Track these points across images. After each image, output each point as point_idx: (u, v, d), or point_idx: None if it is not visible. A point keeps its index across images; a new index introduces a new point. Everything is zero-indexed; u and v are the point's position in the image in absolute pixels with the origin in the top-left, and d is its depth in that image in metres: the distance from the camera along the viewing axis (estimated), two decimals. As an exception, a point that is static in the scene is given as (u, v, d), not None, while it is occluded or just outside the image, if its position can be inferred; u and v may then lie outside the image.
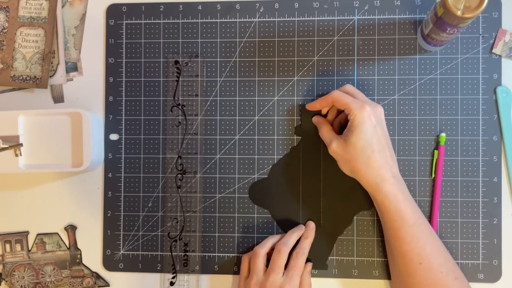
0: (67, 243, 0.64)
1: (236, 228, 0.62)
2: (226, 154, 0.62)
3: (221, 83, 0.63)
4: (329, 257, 0.61)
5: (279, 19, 0.63)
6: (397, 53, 0.61)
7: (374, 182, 0.54)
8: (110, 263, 0.63)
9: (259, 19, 0.63)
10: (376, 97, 0.61)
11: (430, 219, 0.60)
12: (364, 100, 0.56)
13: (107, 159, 0.64)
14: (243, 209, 0.62)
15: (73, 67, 0.65)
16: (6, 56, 0.63)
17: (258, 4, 0.63)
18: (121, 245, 0.63)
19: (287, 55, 0.62)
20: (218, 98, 0.63)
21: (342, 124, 0.59)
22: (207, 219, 0.62)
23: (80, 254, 0.64)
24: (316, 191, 0.61)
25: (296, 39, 0.62)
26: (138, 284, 0.63)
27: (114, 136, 0.64)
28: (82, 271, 0.64)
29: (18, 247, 0.64)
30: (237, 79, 0.63)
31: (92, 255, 0.64)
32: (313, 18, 0.62)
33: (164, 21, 0.64)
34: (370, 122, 0.53)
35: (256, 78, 0.63)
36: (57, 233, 0.64)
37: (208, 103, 0.63)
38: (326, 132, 0.57)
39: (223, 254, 0.62)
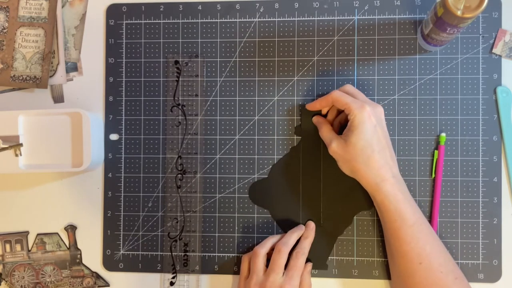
0: (67, 243, 0.64)
1: (236, 228, 0.62)
2: (226, 154, 0.62)
3: (221, 83, 0.63)
4: (329, 257, 0.61)
5: (279, 19, 0.63)
6: (397, 53, 0.61)
7: (374, 182, 0.54)
8: (110, 263, 0.63)
9: (259, 19, 0.63)
10: (376, 97, 0.61)
11: (430, 219, 0.60)
12: (364, 100, 0.56)
13: (107, 159, 0.64)
14: (243, 209, 0.62)
15: (73, 67, 0.65)
16: (6, 56, 0.63)
17: (258, 4, 0.63)
18: (121, 245, 0.63)
19: (287, 55, 0.62)
20: (218, 98, 0.63)
21: (342, 124, 0.59)
22: (207, 219, 0.62)
23: (80, 254, 0.64)
24: (316, 191, 0.61)
25: (296, 39, 0.62)
26: (138, 284, 0.63)
27: (114, 136, 0.64)
28: (82, 271, 0.64)
29: (18, 247, 0.64)
30: (237, 79, 0.63)
31: (92, 255, 0.64)
32: (313, 18, 0.62)
33: (164, 21, 0.64)
34: (370, 122, 0.53)
35: (256, 78, 0.63)
36: (57, 233, 0.64)
37: (208, 103, 0.63)
38: (326, 132, 0.57)
39: (223, 254, 0.62)
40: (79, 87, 0.64)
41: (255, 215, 0.62)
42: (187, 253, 0.62)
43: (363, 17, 0.62)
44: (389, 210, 0.53)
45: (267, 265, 0.57)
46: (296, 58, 0.62)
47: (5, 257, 0.64)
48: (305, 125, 0.62)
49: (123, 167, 0.63)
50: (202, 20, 0.63)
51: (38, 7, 0.64)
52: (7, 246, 0.64)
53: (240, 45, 0.63)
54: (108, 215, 0.63)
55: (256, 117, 0.62)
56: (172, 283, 0.62)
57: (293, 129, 0.62)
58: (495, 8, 0.60)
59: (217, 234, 0.62)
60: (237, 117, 0.63)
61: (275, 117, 0.62)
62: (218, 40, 0.63)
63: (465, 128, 0.60)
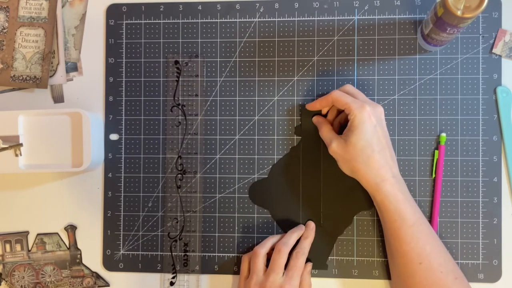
0: (67, 243, 0.64)
1: (236, 228, 0.62)
2: (226, 154, 0.62)
3: (221, 83, 0.63)
4: (329, 257, 0.61)
5: (279, 19, 0.63)
6: (397, 53, 0.61)
7: (374, 182, 0.54)
8: (110, 263, 0.63)
9: (259, 19, 0.63)
10: (376, 97, 0.61)
11: (430, 219, 0.60)
12: (364, 100, 0.56)
13: (107, 159, 0.64)
14: (243, 209, 0.62)
15: (73, 67, 0.65)
16: (6, 56, 0.63)
17: (258, 4, 0.63)
18: (121, 245, 0.63)
19: (287, 55, 0.62)
20: (218, 98, 0.63)
21: (342, 124, 0.59)
22: (207, 219, 0.62)
23: (80, 254, 0.64)
24: (316, 191, 0.61)
25: (296, 39, 0.62)
26: (138, 284, 0.63)
27: (114, 136, 0.64)
28: (82, 271, 0.64)
29: (18, 247, 0.64)
30: (237, 79, 0.63)
31: (92, 255, 0.64)
32: (313, 18, 0.62)
33: (164, 21, 0.64)
34: (370, 122, 0.53)
35: (256, 78, 0.63)
36: (57, 233, 0.64)
37: (208, 103, 0.63)
38: (326, 132, 0.57)
39: (223, 254, 0.62)
40: (79, 87, 0.64)
41: (255, 215, 0.62)
42: (187, 253, 0.62)
43: (363, 17, 0.62)
44: (389, 210, 0.53)
45: (267, 265, 0.57)
46: (296, 58, 0.62)
47: (5, 257, 0.64)
48: (305, 125, 0.62)
49: (123, 167, 0.63)
50: (202, 20, 0.63)
51: (38, 7, 0.64)
52: (7, 246, 0.64)
53: (240, 45, 0.63)
54: (108, 215, 0.63)
55: (256, 117, 0.62)
56: (172, 283, 0.62)
57: (293, 129, 0.62)
58: (495, 8, 0.60)
59: (217, 234, 0.62)
60: (237, 117, 0.63)
61: (275, 117, 0.62)
62: (218, 40, 0.63)
63: (465, 128, 0.60)
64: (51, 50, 0.63)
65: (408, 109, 0.61)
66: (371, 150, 0.53)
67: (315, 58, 0.62)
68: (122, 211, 0.63)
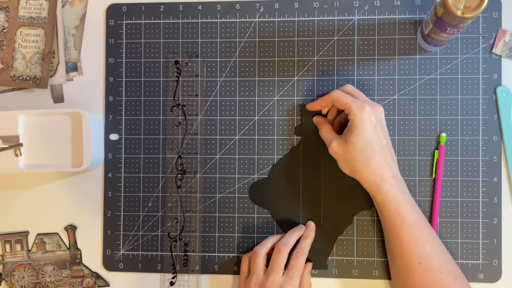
0: (67, 243, 0.64)
1: (236, 228, 0.62)
2: (226, 154, 0.62)
3: (221, 83, 0.63)
4: (329, 257, 0.61)
5: (279, 19, 0.63)
6: (397, 53, 0.61)
7: (374, 182, 0.54)
8: (110, 263, 0.63)
9: (259, 19, 0.63)
10: (376, 97, 0.61)
11: (430, 219, 0.60)
12: (364, 100, 0.56)
13: (107, 159, 0.64)
14: (243, 209, 0.62)
15: (73, 67, 0.65)
16: (6, 56, 0.63)
17: (258, 4, 0.63)
18: (121, 245, 0.63)
19: (287, 55, 0.62)
20: (218, 98, 0.63)
21: (342, 124, 0.59)
22: (207, 219, 0.62)
23: (80, 254, 0.64)
24: (316, 191, 0.61)
25: (296, 39, 0.62)
26: (138, 284, 0.63)
27: (114, 136, 0.64)
28: (82, 271, 0.64)
29: (18, 247, 0.64)
30: (237, 79, 0.63)
31: (92, 255, 0.64)
32: (313, 18, 0.62)
33: (164, 21, 0.64)
34: (370, 122, 0.53)
35: (256, 78, 0.63)
36: (57, 233, 0.64)
37: (208, 103, 0.63)
38: (326, 132, 0.57)
39: (223, 254, 0.62)
40: (79, 87, 0.64)
41: (255, 215, 0.62)
42: (187, 253, 0.62)
43: (363, 17, 0.62)
44: (389, 210, 0.53)
45: (267, 265, 0.57)
46: (296, 58, 0.62)
47: (5, 257, 0.64)
48: (305, 125, 0.62)
49: (123, 167, 0.63)
50: (202, 20, 0.63)
51: (38, 7, 0.64)
52: (7, 246, 0.64)
53: (240, 45, 0.63)
54: (108, 215, 0.63)
55: (256, 117, 0.62)
56: (172, 283, 0.62)
57: (293, 129, 0.62)
58: (495, 8, 0.60)
59: (217, 234, 0.62)
60: (237, 117, 0.63)
61: (275, 117, 0.62)
62: (218, 40, 0.63)
63: (465, 128, 0.60)
64: (51, 50, 0.63)
65: (408, 109, 0.61)
66: (371, 150, 0.53)
67: (315, 58, 0.62)
68: (122, 211, 0.63)
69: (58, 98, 0.65)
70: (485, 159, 0.60)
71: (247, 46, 0.63)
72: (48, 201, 0.64)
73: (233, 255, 0.62)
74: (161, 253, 0.63)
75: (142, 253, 0.63)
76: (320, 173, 0.61)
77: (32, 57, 0.63)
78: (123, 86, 0.64)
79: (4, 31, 0.63)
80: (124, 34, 0.64)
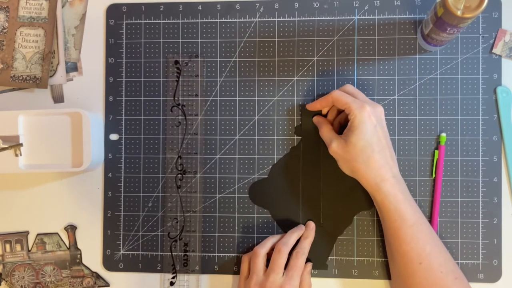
0: (67, 243, 0.64)
1: (236, 228, 0.62)
2: (226, 154, 0.62)
3: (221, 83, 0.63)
4: (329, 257, 0.61)
5: (279, 19, 0.63)
6: (397, 53, 0.61)
7: (374, 182, 0.54)
8: (110, 263, 0.63)
9: (259, 19, 0.63)
10: (376, 97, 0.61)
11: (430, 219, 0.60)
12: (364, 100, 0.56)
13: (107, 159, 0.64)
14: (243, 209, 0.62)
15: (73, 67, 0.65)
16: (6, 56, 0.63)
17: (258, 4, 0.63)
18: (121, 245, 0.63)
19: (287, 55, 0.62)
20: (218, 98, 0.63)
21: (342, 124, 0.59)
22: (207, 219, 0.62)
23: (80, 254, 0.64)
24: (316, 191, 0.61)
25: (296, 39, 0.62)
26: (138, 284, 0.63)
27: (114, 136, 0.64)
28: (82, 271, 0.64)
29: (18, 247, 0.64)
30: (237, 79, 0.63)
31: (92, 255, 0.64)
32: (313, 18, 0.62)
33: (164, 21, 0.64)
34: (370, 122, 0.53)
35: (256, 78, 0.63)
36: (57, 233, 0.64)
37: (208, 103, 0.63)
38: (326, 132, 0.57)
39: (223, 254, 0.62)
40: (79, 87, 0.64)
41: (255, 215, 0.62)
42: (187, 253, 0.62)
43: (363, 17, 0.62)
44: (389, 210, 0.53)
45: (267, 265, 0.57)
46: (296, 58, 0.62)
47: (5, 257, 0.64)
48: (305, 125, 0.62)
49: (123, 167, 0.63)
50: (202, 20, 0.63)
51: (38, 7, 0.64)
52: (7, 246, 0.64)
53: (240, 45, 0.63)
54: (108, 215, 0.63)
55: (256, 117, 0.62)
56: (172, 283, 0.62)
57: (293, 129, 0.62)
58: (495, 8, 0.60)
59: (217, 234, 0.62)
60: (237, 117, 0.63)
61: (275, 117, 0.62)
62: (218, 40, 0.63)
63: (465, 128, 0.60)
64: (51, 50, 0.63)
65: (408, 109, 0.61)
66: (371, 150, 0.53)
67: (315, 58, 0.62)
68: (122, 211, 0.63)
69: (58, 98, 0.65)
70: (485, 159, 0.60)
71: (247, 46, 0.63)
72: (48, 201, 0.64)
73: (233, 255, 0.62)
74: (161, 253, 0.63)
75: (142, 253, 0.63)
76: (320, 173, 0.61)
77: (32, 57, 0.63)
78: (123, 86, 0.64)
79: (4, 31, 0.63)
80: (124, 34, 0.64)
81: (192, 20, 0.63)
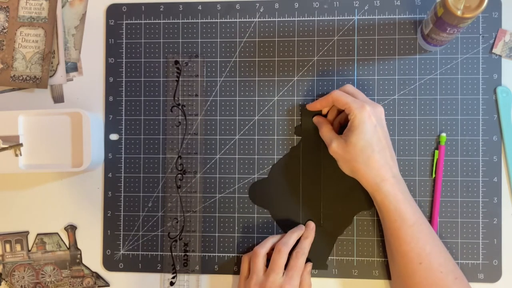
0: (67, 243, 0.64)
1: (236, 228, 0.62)
2: (226, 154, 0.62)
3: (221, 83, 0.63)
4: (329, 257, 0.61)
5: (279, 19, 0.63)
6: (397, 53, 0.61)
7: (374, 182, 0.54)
8: (110, 263, 0.63)
9: (259, 19, 0.63)
10: (376, 97, 0.61)
11: (430, 219, 0.60)
12: (365, 100, 0.56)
13: (107, 159, 0.64)
14: (243, 209, 0.62)
15: (73, 67, 0.65)
16: (6, 56, 0.63)
17: (258, 4, 0.63)
18: (121, 245, 0.63)
19: (287, 55, 0.62)
20: (218, 98, 0.63)
21: (342, 124, 0.59)
22: (207, 219, 0.62)
23: (80, 254, 0.64)
24: (316, 191, 0.61)
25: (296, 39, 0.62)
26: (138, 284, 0.63)
27: (114, 136, 0.64)
28: (82, 271, 0.64)
29: (18, 247, 0.64)
30: (237, 79, 0.63)
31: (92, 255, 0.64)
32: (313, 18, 0.62)
33: (164, 21, 0.64)
34: (370, 122, 0.53)
35: (256, 78, 0.63)
36: (57, 233, 0.64)
37: (208, 103, 0.63)
38: (326, 132, 0.57)
39: (223, 254, 0.62)
40: (79, 87, 0.64)
41: (255, 215, 0.62)
42: (187, 253, 0.62)
43: (363, 17, 0.62)
44: (389, 210, 0.53)
45: (267, 265, 0.57)
46: (296, 58, 0.62)
47: (5, 257, 0.64)
48: (305, 125, 0.62)
49: (123, 167, 0.63)
50: (202, 20, 0.63)
51: (38, 7, 0.64)
52: (7, 246, 0.64)
53: (240, 45, 0.63)
54: (108, 215, 0.63)
55: (256, 117, 0.62)
56: (172, 283, 0.62)
57: (293, 129, 0.62)
58: (495, 8, 0.60)
59: (217, 234, 0.62)
60: (237, 117, 0.63)
61: (275, 117, 0.62)
62: (218, 40, 0.63)
63: (465, 128, 0.60)
64: (51, 50, 0.63)
65: (408, 109, 0.61)
66: (371, 150, 0.53)
67: (315, 58, 0.62)
68: (122, 211, 0.63)
69: (58, 98, 0.65)
70: (485, 159, 0.60)
71: (247, 46, 0.63)
72: (48, 201, 0.64)
73: (233, 255, 0.62)
74: (161, 253, 0.63)
75: (142, 253, 0.63)
76: (320, 173, 0.61)
77: (32, 57, 0.63)
78: (123, 86, 0.64)
79: (4, 31, 0.63)
80: (124, 34, 0.64)
81: (192, 20, 0.63)
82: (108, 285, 0.64)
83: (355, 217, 0.61)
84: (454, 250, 0.60)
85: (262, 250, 0.57)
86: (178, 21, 0.64)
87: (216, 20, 0.63)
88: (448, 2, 0.49)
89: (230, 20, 0.63)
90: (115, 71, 0.64)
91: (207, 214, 0.62)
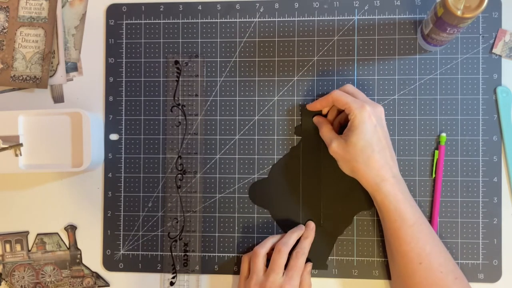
0: (67, 243, 0.64)
1: (236, 228, 0.62)
2: (226, 154, 0.62)
3: (221, 83, 0.63)
4: (329, 257, 0.61)
5: (279, 19, 0.63)
6: (397, 53, 0.61)
7: (374, 182, 0.54)
8: (110, 263, 0.63)
9: (259, 19, 0.63)
10: (376, 97, 0.61)
11: (430, 219, 0.60)
12: (365, 100, 0.56)
13: (107, 159, 0.64)
14: (243, 209, 0.62)
15: (73, 67, 0.65)
16: (6, 56, 0.63)
17: (258, 4, 0.63)
18: (121, 245, 0.63)
19: (287, 55, 0.62)
20: (218, 98, 0.63)
21: (342, 124, 0.59)
22: (207, 219, 0.62)
23: (80, 254, 0.64)
24: (316, 191, 0.61)
25: (296, 39, 0.62)
26: (138, 284, 0.63)
27: (114, 136, 0.64)
28: (82, 271, 0.64)
29: (18, 247, 0.64)
30: (237, 79, 0.63)
31: (92, 255, 0.64)
32: (313, 18, 0.62)
33: (164, 21, 0.64)
34: (370, 122, 0.53)
35: (256, 78, 0.63)
36: (57, 233, 0.64)
37: (208, 103, 0.63)
38: (326, 132, 0.57)
39: (223, 254, 0.62)
40: (79, 87, 0.64)
41: (255, 215, 0.62)
42: (187, 253, 0.62)
43: (363, 17, 0.62)
44: (389, 210, 0.53)
45: (267, 265, 0.57)
46: (296, 58, 0.62)
47: (5, 257, 0.64)
48: (305, 125, 0.62)
49: (123, 167, 0.63)
50: (202, 20, 0.63)
51: (38, 7, 0.64)
52: (7, 246, 0.64)
53: (240, 45, 0.63)
54: (108, 215, 0.63)
55: (256, 117, 0.62)
56: (172, 283, 0.62)
57: (293, 129, 0.62)
58: (495, 8, 0.60)
59: (217, 234, 0.62)
60: (237, 117, 0.63)
61: (275, 117, 0.62)
62: (218, 40, 0.63)
63: (465, 128, 0.60)
64: (51, 50, 0.63)
65: (408, 109, 0.61)
66: (371, 150, 0.53)
67: (315, 58, 0.62)
68: (122, 211, 0.63)
69: (58, 98, 0.65)
70: (485, 159, 0.60)
71: (247, 46, 0.63)
72: (48, 201, 0.64)
73: (233, 255, 0.62)
74: (161, 253, 0.63)
75: (142, 253, 0.63)
76: (320, 173, 0.61)
77: (32, 57, 0.63)
78: (123, 86, 0.64)
79: (4, 31, 0.63)
80: (124, 34, 0.64)
81: (192, 20, 0.63)
82: (108, 285, 0.64)
83: (355, 217, 0.61)
84: (454, 250, 0.60)
85: (262, 250, 0.57)
86: (178, 21, 0.64)
87: (216, 20, 0.63)
88: (448, 2, 0.49)
89: (230, 20, 0.63)
90: (115, 71, 0.64)
91: (207, 214, 0.62)
